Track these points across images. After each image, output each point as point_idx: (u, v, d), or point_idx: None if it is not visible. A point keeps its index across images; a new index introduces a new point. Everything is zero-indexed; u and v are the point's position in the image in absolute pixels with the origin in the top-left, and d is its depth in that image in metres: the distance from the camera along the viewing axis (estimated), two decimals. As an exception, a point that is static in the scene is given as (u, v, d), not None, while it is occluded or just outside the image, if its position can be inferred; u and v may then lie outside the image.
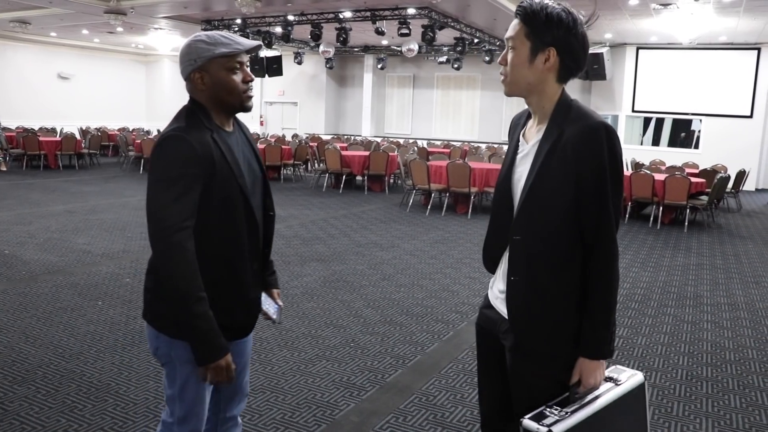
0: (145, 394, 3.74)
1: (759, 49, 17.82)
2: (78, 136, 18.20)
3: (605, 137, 1.85)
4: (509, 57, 1.96)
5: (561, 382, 1.95)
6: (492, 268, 2.17)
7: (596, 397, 1.92)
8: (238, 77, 2.07)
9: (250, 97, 2.13)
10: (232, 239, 2.08)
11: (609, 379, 1.99)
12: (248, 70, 2.12)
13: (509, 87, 1.99)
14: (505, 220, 2.04)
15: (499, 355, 2.10)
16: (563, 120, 1.91)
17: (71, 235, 8.21)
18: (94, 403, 3.61)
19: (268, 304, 2.32)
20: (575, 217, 1.90)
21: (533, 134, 2.02)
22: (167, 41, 22.83)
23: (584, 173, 1.86)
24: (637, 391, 2.01)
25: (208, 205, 2.00)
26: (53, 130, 20.26)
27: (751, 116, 18.15)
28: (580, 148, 1.85)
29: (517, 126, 2.15)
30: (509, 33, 1.96)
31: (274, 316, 2.33)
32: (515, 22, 1.95)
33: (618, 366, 2.06)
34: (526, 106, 2.08)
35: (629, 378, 2.01)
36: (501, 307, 2.06)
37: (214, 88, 2.06)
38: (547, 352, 1.96)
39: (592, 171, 1.85)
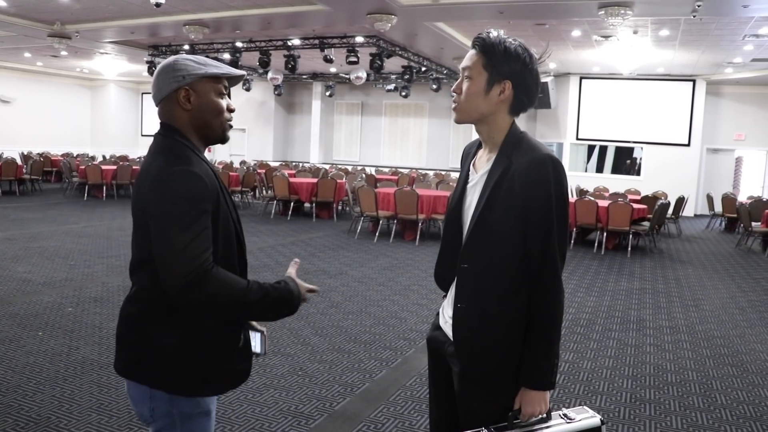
0: (87, 427, 3.64)
1: (694, 81, 18.50)
2: (19, 161, 17.74)
3: (552, 170, 1.88)
4: (464, 86, 1.98)
5: (508, 408, 1.97)
6: (444, 287, 2.19)
7: (539, 429, 1.94)
8: (223, 102, 1.96)
9: (231, 126, 2.01)
10: None
11: (564, 415, 1.99)
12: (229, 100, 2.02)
13: (461, 115, 2.02)
14: (454, 247, 2.06)
15: (448, 376, 2.12)
16: (512, 151, 1.95)
17: (10, 263, 7.98)
18: (32, 437, 3.50)
19: (251, 337, 2.10)
20: (522, 248, 1.92)
21: (483, 164, 2.05)
22: (113, 66, 22.57)
23: (530, 205, 1.89)
24: None
25: (214, 244, 1.84)
26: (-7, 155, 19.74)
27: (688, 145, 18.77)
28: (527, 179, 1.88)
29: (468, 155, 2.19)
30: (466, 63, 1.98)
31: (258, 349, 2.10)
32: (472, 52, 1.98)
33: (584, 407, 2.07)
34: (475, 135, 2.12)
35: (584, 419, 1.99)
36: (449, 331, 2.08)
37: (201, 109, 1.92)
38: (493, 379, 1.98)
39: (538, 203, 1.88)
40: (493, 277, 1.95)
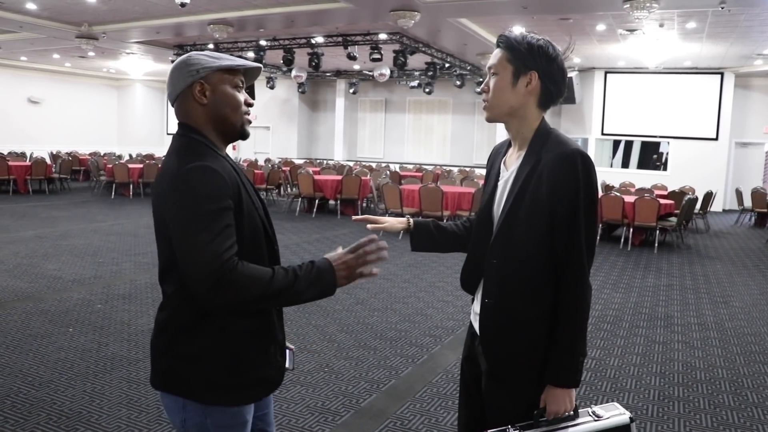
0: (117, 422, 3.69)
1: (722, 74, 18.24)
2: (48, 161, 17.98)
3: (580, 165, 1.87)
4: (492, 83, 2.00)
5: (534, 406, 1.96)
6: (470, 289, 2.20)
7: (566, 427, 1.92)
8: (240, 96, 1.88)
9: (250, 121, 1.94)
10: None
11: (592, 413, 1.97)
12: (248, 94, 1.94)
13: (491, 111, 2.02)
14: (484, 244, 2.06)
15: (479, 379, 2.12)
16: (541, 147, 1.95)
17: (41, 260, 8.10)
18: (65, 431, 3.56)
19: None
20: (550, 244, 1.91)
21: (513, 161, 2.05)
22: (139, 66, 22.81)
23: (558, 200, 1.88)
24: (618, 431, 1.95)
25: (239, 240, 1.76)
26: (23, 155, 20.00)
27: (716, 139, 18.53)
28: (555, 175, 1.88)
29: (498, 154, 2.19)
30: (491, 61, 2.01)
31: (288, 363, 2.05)
32: (497, 50, 2.00)
33: (615, 403, 2.04)
34: (500, 131, 2.12)
35: (613, 416, 1.96)
36: (477, 326, 2.09)
37: (217, 103, 1.84)
38: (518, 375, 1.98)
39: (566, 198, 1.87)
40: (521, 273, 1.95)
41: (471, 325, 2.21)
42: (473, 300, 2.20)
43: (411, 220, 2.27)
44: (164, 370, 1.85)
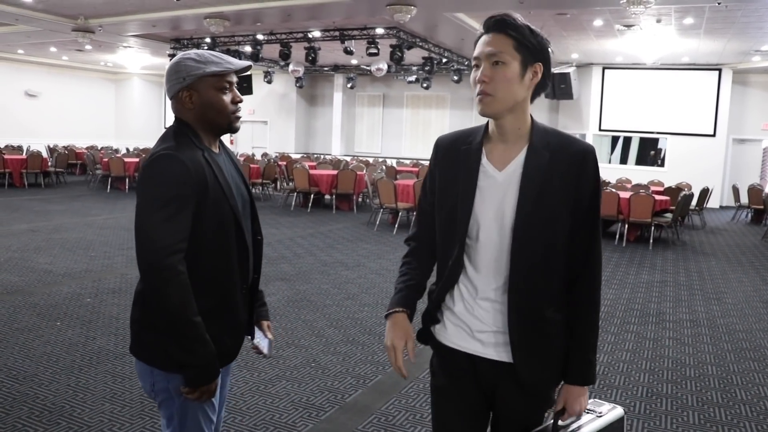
0: (100, 416, 3.67)
1: (720, 70, 18.19)
2: (45, 154, 17.93)
3: (595, 162, 1.83)
4: (495, 73, 1.77)
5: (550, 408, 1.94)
6: (440, 301, 1.98)
7: (578, 428, 1.89)
8: (227, 97, 2.01)
9: (239, 118, 2.07)
10: (224, 264, 1.99)
11: (590, 410, 1.95)
12: (237, 90, 2.06)
13: (493, 106, 1.80)
14: (454, 248, 1.89)
15: (474, 394, 1.97)
16: (545, 143, 1.82)
17: (33, 254, 8.07)
18: (46, 426, 3.53)
19: (259, 338, 2.24)
20: (569, 245, 1.83)
21: (504, 158, 1.86)
22: (136, 59, 22.73)
23: (581, 198, 1.80)
24: (617, 425, 1.96)
25: (201, 228, 1.91)
26: (19, 148, 19.92)
27: (714, 135, 18.48)
28: (577, 173, 1.79)
29: (458, 151, 1.94)
30: (491, 48, 1.77)
31: (265, 351, 2.23)
32: (499, 36, 1.77)
33: (597, 400, 2.03)
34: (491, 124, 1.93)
35: (610, 411, 1.96)
36: (477, 347, 1.89)
37: (203, 108, 1.99)
38: (551, 386, 1.91)
39: (587, 196, 1.81)
40: (546, 283, 1.83)
41: (456, 353, 1.96)
42: (451, 319, 1.97)
43: (403, 314, 2.03)
44: (134, 339, 2.03)
